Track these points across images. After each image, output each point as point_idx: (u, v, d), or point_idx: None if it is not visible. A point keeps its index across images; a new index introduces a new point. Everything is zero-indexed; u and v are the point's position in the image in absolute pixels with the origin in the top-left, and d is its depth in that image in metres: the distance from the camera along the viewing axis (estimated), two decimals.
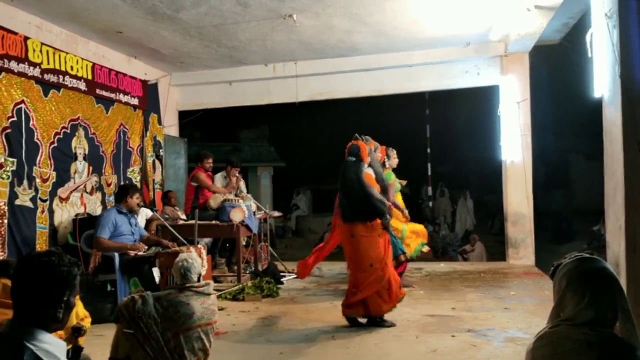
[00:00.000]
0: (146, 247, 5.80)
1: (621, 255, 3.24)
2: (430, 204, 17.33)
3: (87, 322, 4.13)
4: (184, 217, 7.95)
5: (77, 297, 4.13)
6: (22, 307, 1.78)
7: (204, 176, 7.83)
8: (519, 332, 4.66)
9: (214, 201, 7.38)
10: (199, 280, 3.84)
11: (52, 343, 1.77)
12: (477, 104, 12.89)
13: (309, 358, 4.10)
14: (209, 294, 3.80)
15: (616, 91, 3.29)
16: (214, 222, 7.19)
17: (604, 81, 3.54)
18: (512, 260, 8.56)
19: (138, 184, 8.35)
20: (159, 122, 9.25)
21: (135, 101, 8.44)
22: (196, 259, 3.87)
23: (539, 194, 9.97)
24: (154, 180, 8.93)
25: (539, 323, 4.77)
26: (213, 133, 17.63)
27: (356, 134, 5.33)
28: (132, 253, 5.60)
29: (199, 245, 6.11)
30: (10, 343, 1.72)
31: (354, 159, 5.09)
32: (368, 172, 5.25)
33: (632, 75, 3.14)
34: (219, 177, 8.14)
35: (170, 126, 9.77)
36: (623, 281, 3.22)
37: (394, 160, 7.05)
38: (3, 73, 5.88)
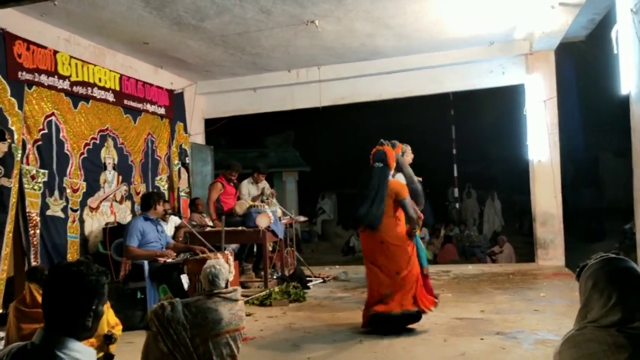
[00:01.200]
0: (175, 254, 5.89)
1: None
2: (457, 205, 17.17)
3: (118, 330, 4.22)
4: (211, 223, 8.04)
5: (108, 305, 4.24)
6: (52, 316, 1.83)
7: (214, 188, 8.09)
8: (549, 334, 4.60)
9: (240, 207, 7.46)
10: (226, 287, 3.89)
11: (82, 351, 1.81)
12: (503, 103, 12.74)
13: None
14: (236, 300, 3.84)
15: None
16: (240, 228, 7.26)
17: (630, 78, 3.48)
18: (542, 261, 8.44)
19: (166, 192, 8.48)
20: (185, 131, 9.37)
21: (162, 110, 8.58)
22: (224, 265, 3.92)
23: (569, 193, 9.83)
24: (179, 188, 9.05)
25: (569, 325, 4.63)
26: (239, 139, 17.78)
27: (381, 140, 5.28)
28: (161, 260, 5.69)
29: (226, 252, 6.18)
30: (42, 352, 1.76)
31: (381, 164, 5.06)
32: (398, 181, 5.21)
33: None
34: (245, 184, 8.21)
35: (197, 134, 9.91)
36: None
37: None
38: (34, 87, 6.05)
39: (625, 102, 3.93)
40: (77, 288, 1.83)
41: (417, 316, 4.90)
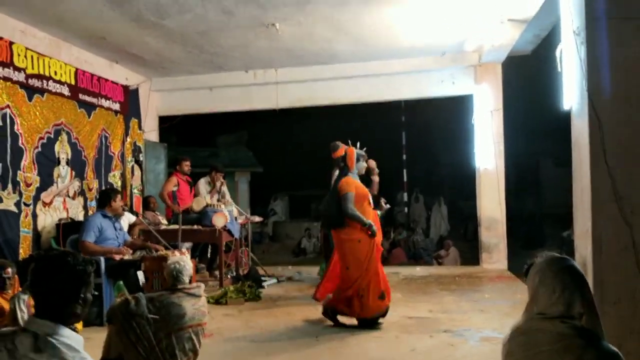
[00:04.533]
0: (131, 251, 5.89)
1: (588, 257, 3.47)
2: (406, 209, 17.60)
3: (79, 325, 4.23)
4: (164, 221, 8.04)
5: None
6: (42, 304, 1.91)
7: (169, 181, 8.25)
8: (494, 332, 4.88)
9: (197, 204, 7.51)
10: (190, 283, 3.97)
11: (71, 337, 1.90)
12: (453, 112, 13.19)
13: (295, 357, 4.25)
14: (199, 296, 3.93)
15: (583, 104, 3.54)
16: (196, 226, 7.30)
17: (572, 94, 3.79)
18: (486, 264, 8.83)
19: (120, 189, 8.41)
20: (140, 128, 9.31)
21: (116, 106, 8.50)
22: (187, 262, 4.00)
23: (511, 200, 10.29)
24: (132, 185, 8.98)
25: (512, 324, 4.99)
26: (190, 137, 17.63)
27: (348, 140, 5.58)
28: (117, 257, 5.68)
29: (183, 250, 6.22)
30: (34, 337, 1.84)
31: (342, 164, 5.31)
32: (349, 178, 5.39)
33: (598, 90, 3.39)
34: (202, 182, 8.26)
35: (151, 131, 9.83)
36: (590, 282, 3.44)
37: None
38: None
39: (565, 115, 4.24)
40: (66, 277, 1.92)
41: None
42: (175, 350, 3.74)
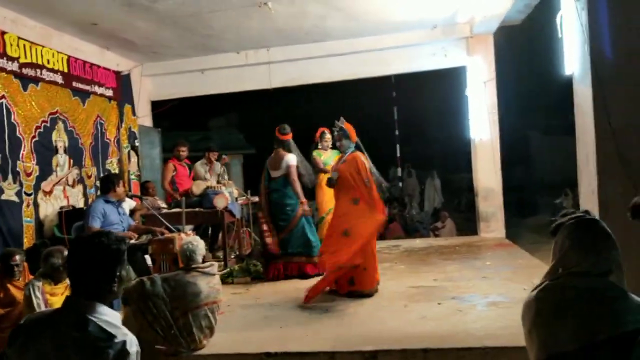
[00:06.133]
0: (136, 236, 5.91)
1: None
2: (400, 184, 17.71)
3: None
4: (164, 205, 8.05)
5: None
6: (80, 283, 1.96)
7: (166, 168, 8.17)
8: (499, 296, 4.99)
9: (197, 188, 7.51)
10: (203, 262, 4.03)
11: (109, 314, 1.96)
12: (444, 86, 13.24)
13: (309, 329, 4.33)
14: (213, 274, 3.99)
15: (586, 69, 3.59)
16: (197, 209, 7.32)
17: (574, 59, 3.84)
18: (484, 233, 8.94)
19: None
20: (133, 113, 9.27)
21: (109, 92, 8.46)
22: (200, 242, 4.05)
23: (505, 170, 10.40)
24: (129, 171, 8.97)
25: (517, 288, 5.12)
26: (182, 122, 17.55)
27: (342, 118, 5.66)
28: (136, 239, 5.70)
29: (188, 231, 6.25)
30: (75, 316, 1.89)
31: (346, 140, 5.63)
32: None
33: (600, 54, 3.44)
34: (199, 164, 8.28)
35: (144, 117, 9.79)
36: None
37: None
38: None
39: (559, 83, 4.29)
40: (102, 257, 1.96)
41: None
42: (192, 328, 3.82)
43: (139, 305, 3.81)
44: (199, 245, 3.99)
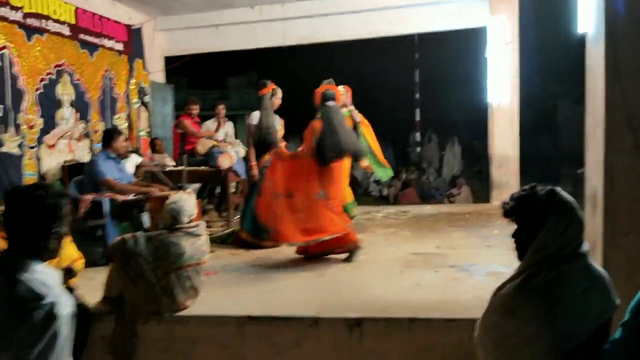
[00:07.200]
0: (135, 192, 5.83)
1: (599, 189, 3.33)
2: (418, 149, 17.42)
3: (80, 264, 4.23)
4: (172, 163, 7.97)
5: (70, 239, 4.22)
6: (14, 239, 1.85)
7: (188, 123, 7.82)
8: (500, 266, 4.80)
9: (202, 147, 7.40)
10: (189, 222, 3.91)
11: (45, 272, 1.85)
12: (466, 47, 12.78)
13: (301, 294, 4.23)
14: (199, 235, 3.88)
15: (600, 28, 3.31)
16: (202, 167, 7.23)
17: (588, 18, 3.55)
18: (496, 202, 8.68)
19: (126, 131, 8.33)
20: (144, 68, 9.14)
21: (120, 46, 8.33)
22: (187, 201, 3.92)
23: (526, 138, 10.06)
24: (138, 127, 8.89)
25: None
26: (200, 80, 17.41)
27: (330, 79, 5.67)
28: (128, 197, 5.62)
29: (189, 190, 6.15)
30: (7, 273, 1.78)
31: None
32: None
33: (615, 11, 3.15)
34: (208, 123, 8.15)
35: (157, 72, 9.66)
36: (600, 213, 3.33)
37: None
38: None
39: (582, 48, 3.98)
40: (36, 211, 1.84)
41: None
42: (174, 289, 3.74)
43: (122, 262, 3.73)
44: (185, 205, 3.86)
